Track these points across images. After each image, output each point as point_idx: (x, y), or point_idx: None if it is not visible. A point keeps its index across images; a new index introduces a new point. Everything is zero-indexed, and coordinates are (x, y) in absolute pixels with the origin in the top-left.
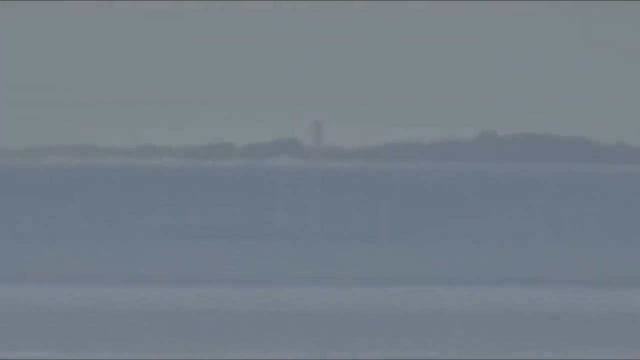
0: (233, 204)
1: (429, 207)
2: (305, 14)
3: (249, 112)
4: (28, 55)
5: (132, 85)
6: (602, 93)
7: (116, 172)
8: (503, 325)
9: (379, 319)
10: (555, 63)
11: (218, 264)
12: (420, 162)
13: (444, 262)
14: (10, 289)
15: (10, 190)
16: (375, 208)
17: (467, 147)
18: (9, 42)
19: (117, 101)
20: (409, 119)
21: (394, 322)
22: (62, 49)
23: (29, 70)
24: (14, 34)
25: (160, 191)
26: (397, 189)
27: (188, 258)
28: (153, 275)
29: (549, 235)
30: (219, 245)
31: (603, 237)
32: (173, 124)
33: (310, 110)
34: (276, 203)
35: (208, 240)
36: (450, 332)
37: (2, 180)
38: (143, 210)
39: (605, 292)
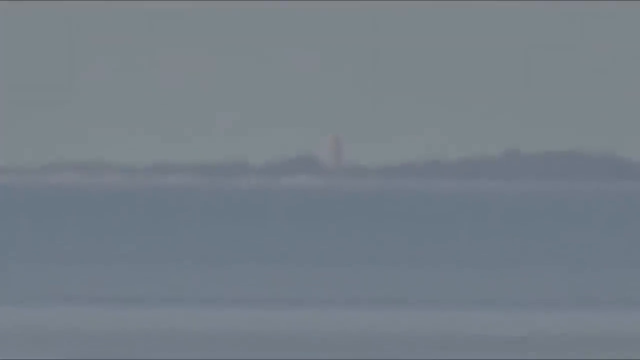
0: (248, 225)
1: (452, 227)
2: (322, 27)
3: (265, 128)
4: (29, 59)
5: (142, 100)
6: (630, 108)
7: (125, 192)
8: (518, 350)
9: (393, 343)
10: (581, 78)
11: (232, 285)
12: (443, 180)
13: (468, 283)
14: (12, 310)
15: (14, 209)
16: (396, 228)
17: (491, 164)
18: (9, 47)
19: (127, 115)
20: (432, 135)
21: (408, 346)
22: (65, 53)
23: (32, 79)
24: (14, 37)
25: (172, 212)
26: (419, 209)
27: (200, 280)
28: (164, 296)
29: (577, 256)
30: (234, 267)
31: (634, 258)
32: (185, 140)
33: (329, 126)
34: (293, 224)
35: (222, 262)
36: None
37: (6, 199)
38: (153, 231)
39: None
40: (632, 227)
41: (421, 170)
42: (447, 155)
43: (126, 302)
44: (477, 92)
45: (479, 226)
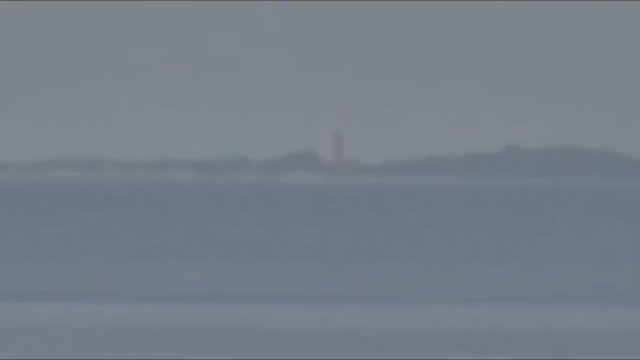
0: (248, 221)
1: (453, 223)
2: (320, 18)
3: (264, 124)
4: (29, 59)
5: (140, 95)
6: (630, 104)
7: (126, 188)
8: (514, 345)
9: (391, 341)
10: (580, 74)
11: (231, 282)
12: (444, 177)
13: (469, 280)
14: (10, 307)
15: (14, 206)
16: (397, 225)
17: (491, 160)
18: (9, 45)
19: (128, 111)
20: (432, 131)
21: (408, 343)
22: (65, 53)
23: (31, 75)
24: (13, 36)
25: (172, 208)
26: (419, 205)
27: (200, 276)
28: (164, 293)
29: (577, 252)
30: (233, 263)
31: (634, 255)
32: (185, 136)
33: (329, 120)
34: (293, 220)
35: (222, 259)
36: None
37: (5, 196)
38: (154, 227)
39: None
40: (632, 224)
41: (421, 166)
42: (447, 152)
43: (126, 299)
44: (477, 88)
45: (480, 222)
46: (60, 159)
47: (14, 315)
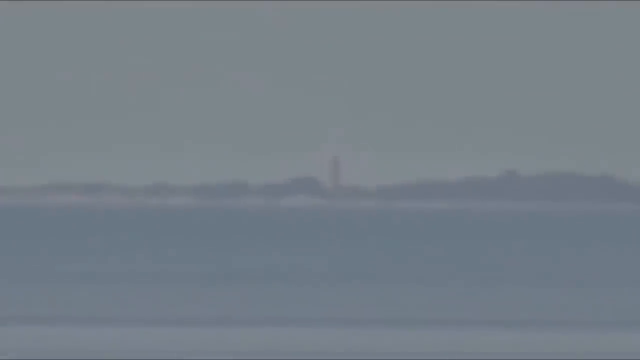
0: (248, 246)
1: (450, 247)
2: (319, 44)
3: (264, 149)
4: (31, 80)
5: (141, 120)
6: (628, 129)
7: (126, 212)
8: None
9: None
10: (580, 100)
11: (232, 305)
12: (442, 201)
13: (465, 303)
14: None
15: (15, 230)
16: (395, 249)
17: (489, 185)
18: (10, 60)
19: (129, 137)
20: (431, 156)
21: None
22: (67, 77)
23: (33, 99)
24: (14, 40)
25: (172, 233)
26: (418, 230)
27: (199, 300)
28: (163, 315)
29: (575, 276)
30: (235, 288)
31: (632, 279)
32: (186, 161)
33: (328, 146)
34: (293, 244)
35: (223, 282)
36: None
37: (6, 220)
38: (153, 252)
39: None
40: (630, 248)
41: (420, 191)
42: (446, 176)
43: (125, 323)
44: (476, 114)
45: (477, 247)
46: (61, 183)
47: (11, 338)
